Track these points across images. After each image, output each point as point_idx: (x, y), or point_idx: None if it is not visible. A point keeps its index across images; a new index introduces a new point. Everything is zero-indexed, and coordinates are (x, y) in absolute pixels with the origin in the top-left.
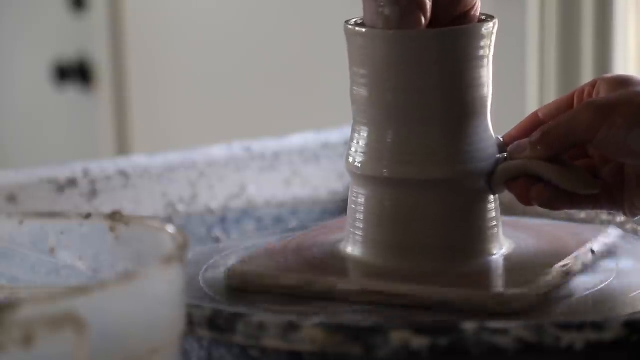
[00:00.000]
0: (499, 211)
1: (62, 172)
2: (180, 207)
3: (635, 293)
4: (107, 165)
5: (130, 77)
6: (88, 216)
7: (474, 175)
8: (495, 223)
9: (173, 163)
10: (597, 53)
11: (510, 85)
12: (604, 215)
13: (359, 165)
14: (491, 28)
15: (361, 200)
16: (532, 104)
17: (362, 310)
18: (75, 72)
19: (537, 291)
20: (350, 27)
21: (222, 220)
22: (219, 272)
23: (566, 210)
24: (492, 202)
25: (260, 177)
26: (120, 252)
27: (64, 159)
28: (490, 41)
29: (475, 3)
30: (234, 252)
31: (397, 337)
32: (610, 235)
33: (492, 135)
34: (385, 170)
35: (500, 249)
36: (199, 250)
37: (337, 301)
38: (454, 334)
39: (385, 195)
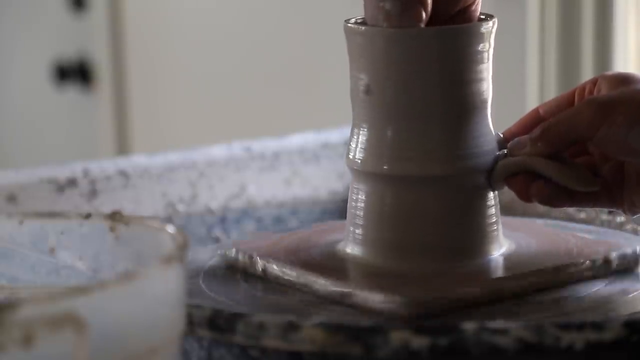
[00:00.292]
0: (499, 208)
1: (62, 172)
2: (180, 207)
3: (635, 293)
4: (107, 165)
5: (130, 77)
6: (88, 216)
7: (474, 171)
8: (495, 220)
9: (173, 163)
10: (597, 53)
11: (510, 86)
12: (604, 215)
13: (359, 162)
14: (491, 27)
15: (361, 196)
16: (532, 105)
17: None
18: (75, 72)
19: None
20: (349, 25)
21: (222, 220)
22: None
23: (566, 210)
24: (492, 199)
25: (260, 177)
26: (120, 252)
27: (64, 159)
28: (490, 40)
29: None
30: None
31: (397, 337)
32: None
33: (492, 132)
34: (385, 167)
35: (500, 249)
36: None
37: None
38: (454, 334)
39: (386, 192)
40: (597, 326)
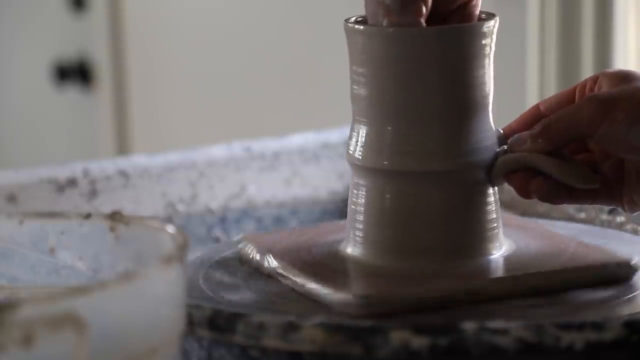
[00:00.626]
0: (499, 205)
1: (62, 172)
2: (180, 207)
3: (635, 293)
4: (107, 165)
5: (130, 77)
6: (88, 216)
7: (474, 167)
8: (495, 217)
9: (173, 163)
10: (597, 53)
11: (510, 85)
12: (604, 215)
13: (360, 157)
14: (492, 26)
15: (362, 192)
16: (532, 104)
17: None
18: (75, 72)
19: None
20: (350, 25)
21: (222, 220)
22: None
23: (566, 210)
24: (492, 196)
25: (260, 177)
26: (120, 252)
27: (64, 159)
28: (491, 39)
29: None
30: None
31: (397, 337)
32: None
33: (492, 128)
34: (386, 162)
35: (500, 248)
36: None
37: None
38: (454, 334)
39: (386, 187)
40: (597, 326)
